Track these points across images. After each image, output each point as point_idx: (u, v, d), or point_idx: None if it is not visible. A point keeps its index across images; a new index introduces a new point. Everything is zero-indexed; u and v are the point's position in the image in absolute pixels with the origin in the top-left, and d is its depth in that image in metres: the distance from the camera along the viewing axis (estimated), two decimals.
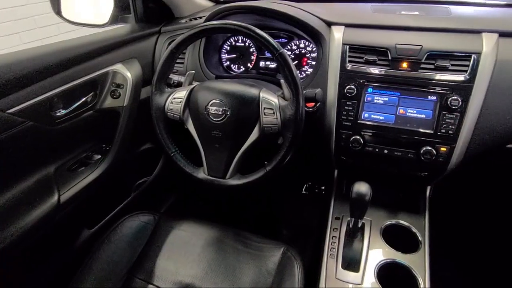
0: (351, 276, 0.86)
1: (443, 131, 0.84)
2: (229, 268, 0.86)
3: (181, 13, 1.22)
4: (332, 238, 0.95)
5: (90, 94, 0.96)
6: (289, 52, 1.10)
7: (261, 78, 1.06)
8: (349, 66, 0.90)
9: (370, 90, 0.89)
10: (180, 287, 0.83)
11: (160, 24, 1.18)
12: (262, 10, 0.98)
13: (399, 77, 0.86)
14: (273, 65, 1.14)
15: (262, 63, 1.15)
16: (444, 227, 1.08)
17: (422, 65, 0.85)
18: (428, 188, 1.03)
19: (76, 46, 0.91)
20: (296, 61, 1.10)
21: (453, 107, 0.81)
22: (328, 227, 0.98)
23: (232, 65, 1.18)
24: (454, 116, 0.83)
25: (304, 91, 0.82)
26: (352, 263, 0.89)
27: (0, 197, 0.79)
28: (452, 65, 0.83)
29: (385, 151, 0.90)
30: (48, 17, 2.93)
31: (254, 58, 1.16)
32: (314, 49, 1.06)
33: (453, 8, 0.98)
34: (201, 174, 0.87)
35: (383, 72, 0.87)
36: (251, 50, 1.16)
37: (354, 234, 0.94)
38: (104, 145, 1.07)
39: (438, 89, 0.83)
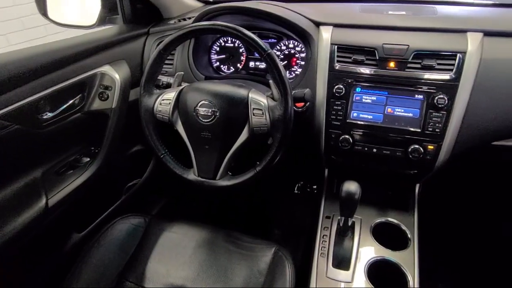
0: (341, 274, 0.87)
1: (430, 129, 0.85)
2: (221, 269, 0.86)
3: (169, 13, 1.22)
4: (322, 237, 0.95)
5: (78, 96, 0.94)
6: (278, 53, 1.10)
7: (250, 78, 1.06)
8: (337, 66, 0.90)
9: (358, 89, 0.90)
10: None
11: (148, 25, 1.17)
12: (251, 11, 0.98)
13: (387, 76, 0.87)
14: (262, 65, 1.14)
15: (251, 64, 1.16)
16: (433, 224, 1.09)
17: (409, 65, 0.86)
18: (417, 186, 1.04)
19: (63, 47, 0.90)
20: (286, 61, 1.10)
21: (440, 106, 0.83)
22: (318, 226, 0.99)
23: (221, 66, 1.18)
24: (440, 114, 0.84)
25: (293, 91, 0.83)
26: (342, 262, 0.90)
27: None
28: (438, 64, 0.84)
29: (374, 150, 0.91)
30: (35, 18, 2.87)
31: (244, 58, 1.16)
32: (303, 49, 1.06)
33: (439, 8, 0.99)
34: (191, 175, 0.87)
35: (371, 72, 0.88)
36: (241, 50, 1.16)
37: (344, 232, 0.95)
38: (93, 148, 1.05)
39: (425, 88, 0.84)
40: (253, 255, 0.88)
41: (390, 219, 0.99)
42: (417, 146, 0.86)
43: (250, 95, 0.80)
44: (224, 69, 1.18)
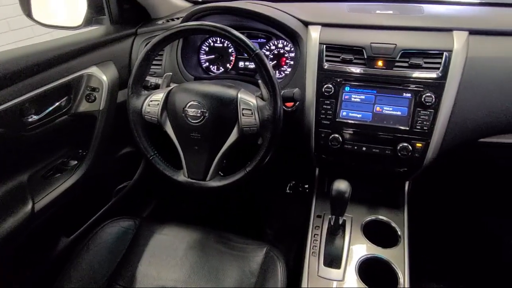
0: (333, 273, 0.87)
1: (418, 127, 0.86)
2: (212, 271, 0.85)
3: (157, 14, 1.21)
4: (314, 236, 0.96)
5: (64, 99, 0.93)
6: (267, 53, 1.10)
7: (240, 79, 1.06)
8: (326, 65, 0.91)
9: (347, 88, 0.90)
10: None
11: (136, 26, 1.16)
12: (239, 11, 0.97)
13: (375, 75, 0.88)
14: (252, 65, 1.14)
15: (241, 64, 1.15)
16: (422, 221, 1.10)
17: (397, 63, 0.86)
18: (406, 183, 1.05)
19: (48, 49, 0.88)
20: (275, 61, 1.10)
21: (427, 104, 0.83)
22: (309, 226, 0.99)
23: (211, 66, 1.17)
24: (428, 112, 0.85)
25: (282, 91, 0.82)
26: (334, 260, 0.90)
27: None
28: (425, 62, 0.85)
29: (364, 149, 0.92)
30: (22, 19, 2.82)
31: (233, 58, 1.15)
32: (292, 49, 1.06)
33: (426, 7, 1.00)
34: (181, 177, 0.86)
35: (359, 71, 0.89)
36: (230, 50, 1.15)
37: (335, 231, 0.95)
38: (80, 151, 1.04)
39: (412, 87, 0.85)
40: (245, 256, 0.88)
41: (380, 216, 1.00)
42: (405, 144, 0.87)
43: (239, 95, 0.80)
44: (214, 69, 1.17)
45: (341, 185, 0.82)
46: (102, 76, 0.98)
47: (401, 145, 0.87)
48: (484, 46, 0.85)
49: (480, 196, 1.37)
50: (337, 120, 0.91)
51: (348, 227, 0.97)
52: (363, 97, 0.89)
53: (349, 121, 0.91)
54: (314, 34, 0.94)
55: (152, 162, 0.87)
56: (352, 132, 0.91)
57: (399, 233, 0.95)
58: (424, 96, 0.83)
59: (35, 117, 0.86)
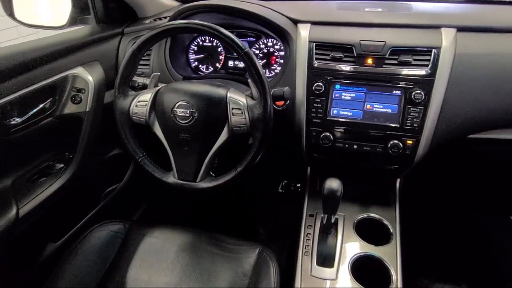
0: (326, 272, 0.87)
1: (409, 124, 0.86)
2: (204, 273, 0.84)
3: (144, 13, 1.19)
4: (306, 236, 0.95)
5: (49, 100, 0.90)
6: (257, 51, 1.09)
7: (230, 78, 1.05)
8: (316, 63, 0.90)
9: (337, 86, 0.90)
10: None
11: (123, 25, 1.14)
12: (227, 9, 0.96)
13: (365, 73, 0.87)
14: (242, 64, 1.13)
15: (230, 63, 1.14)
16: (414, 218, 1.11)
17: (386, 61, 0.86)
18: (398, 180, 1.05)
19: (31, 49, 0.85)
20: (265, 60, 1.09)
21: (417, 101, 0.84)
22: (302, 225, 0.98)
23: (200, 66, 1.16)
24: (418, 109, 0.85)
25: (273, 90, 0.82)
26: (326, 259, 0.89)
27: None
28: (415, 59, 0.85)
29: (355, 147, 0.91)
30: (6, 20, 2.76)
31: (223, 57, 1.14)
32: (282, 47, 1.05)
33: (414, 4, 1.01)
34: (171, 178, 0.85)
35: (349, 69, 0.88)
36: (219, 49, 1.14)
37: (328, 230, 0.95)
38: (67, 153, 1.01)
39: (402, 84, 0.85)
40: (237, 257, 0.87)
41: (372, 214, 1.00)
42: (396, 141, 0.87)
43: (228, 94, 0.79)
44: (203, 68, 1.16)
45: (333, 184, 0.81)
46: (88, 76, 0.96)
47: (392, 142, 0.87)
48: (472, 42, 0.86)
49: (470, 193, 1.39)
50: (327, 118, 0.91)
51: (340, 226, 0.96)
52: (353, 95, 0.89)
53: (340, 119, 0.90)
54: (304, 32, 0.93)
55: (141, 164, 0.85)
56: (343, 130, 0.91)
57: (391, 230, 0.95)
58: (413, 93, 0.83)
59: (18, 120, 0.83)
